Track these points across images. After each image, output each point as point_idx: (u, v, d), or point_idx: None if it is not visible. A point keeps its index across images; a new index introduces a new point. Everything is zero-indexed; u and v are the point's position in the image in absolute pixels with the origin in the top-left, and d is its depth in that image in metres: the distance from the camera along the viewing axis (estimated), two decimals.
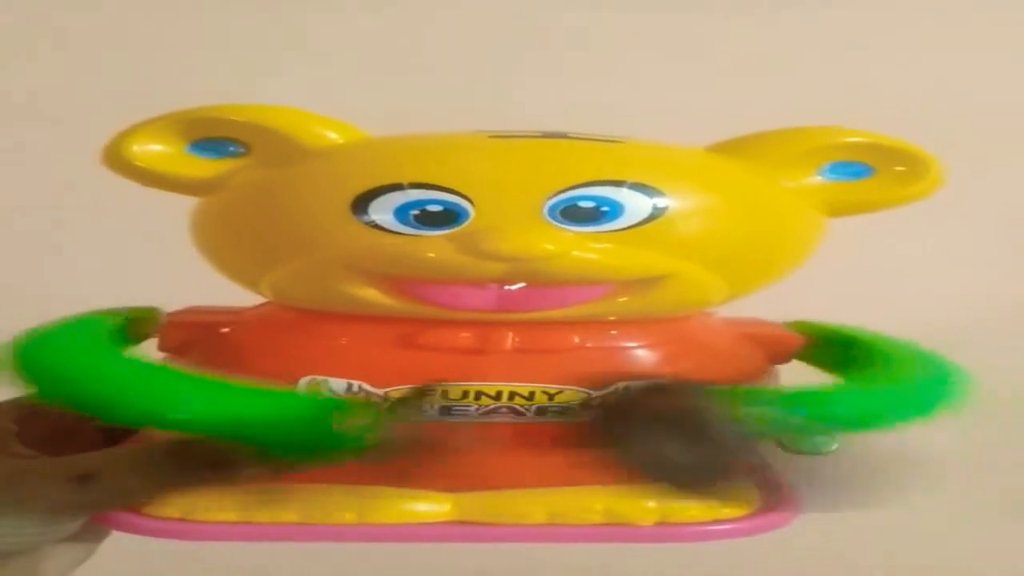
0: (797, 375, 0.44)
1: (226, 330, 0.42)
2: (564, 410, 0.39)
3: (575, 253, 0.35)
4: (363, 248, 0.35)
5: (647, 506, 0.40)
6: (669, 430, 0.35)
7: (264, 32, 0.82)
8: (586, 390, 0.38)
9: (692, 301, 0.39)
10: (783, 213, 0.39)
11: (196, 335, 0.42)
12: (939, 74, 0.82)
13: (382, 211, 0.34)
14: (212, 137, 0.36)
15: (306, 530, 0.39)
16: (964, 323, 0.75)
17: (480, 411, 0.39)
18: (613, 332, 0.39)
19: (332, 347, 0.39)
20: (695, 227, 0.36)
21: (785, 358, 0.45)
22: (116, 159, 0.36)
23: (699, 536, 0.40)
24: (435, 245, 0.35)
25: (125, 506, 0.39)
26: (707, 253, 0.37)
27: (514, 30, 0.83)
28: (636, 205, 0.35)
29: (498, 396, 0.38)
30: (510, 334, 0.38)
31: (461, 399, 0.38)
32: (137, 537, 0.39)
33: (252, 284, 0.40)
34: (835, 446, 0.43)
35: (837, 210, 0.40)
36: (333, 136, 0.36)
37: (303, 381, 0.38)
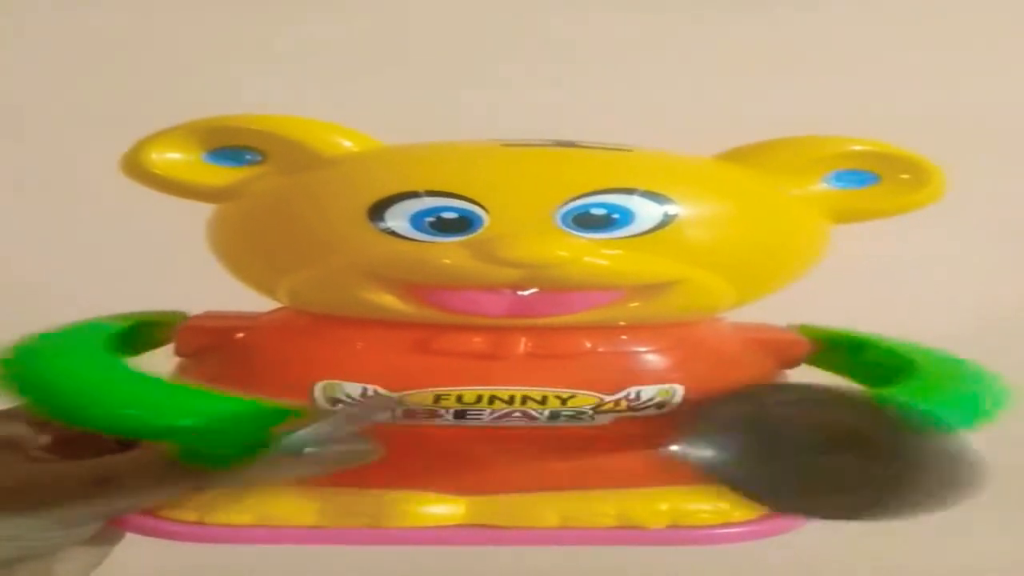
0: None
1: (242, 335, 0.42)
2: (577, 414, 0.39)
3: (587, 259, 0.35)
4: (379, 254, 0.36)
5: (659, 509, 0.40)
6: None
7: (260, 37, 0.83)
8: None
9: (701, 307, 0.40)
10: (790, 220, 0.40)
11: (212, 340, 0.42)
12: (942, 79, 0.82)
13: (398, 218, 0.35)
14: (229, 145, 0.37)
15: (321, 533, 0.40)
16: (970, 327, 0.76)
17: (493, 415, 0.39)
18: (624, 337, 0.40)
19: (347, 352, 0.39)
20: (704, 234, 0.37)
21: (794, 363, 0.45)
22: (135, 167, 0.37)
23: (710, 539, 0.41)
24: (450, 251, 0.35)
25: (143, 510, 0.40)
26: (716, 259, 0.37)
27: (506, 34, 0.84)
28: (647, 212, 0.35)
29: (511, 400, 0.39)
30: (523, 339, 0.39)
31: (475, 403, 0.39)
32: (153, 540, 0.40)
33: (269, 290, 0.40)
34: None
35: (843, 217, 0.40)
36: (348, 144, 0.37)
37: (318, 385, 0.39)
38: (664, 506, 0.40)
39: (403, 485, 0.40)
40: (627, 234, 0.36)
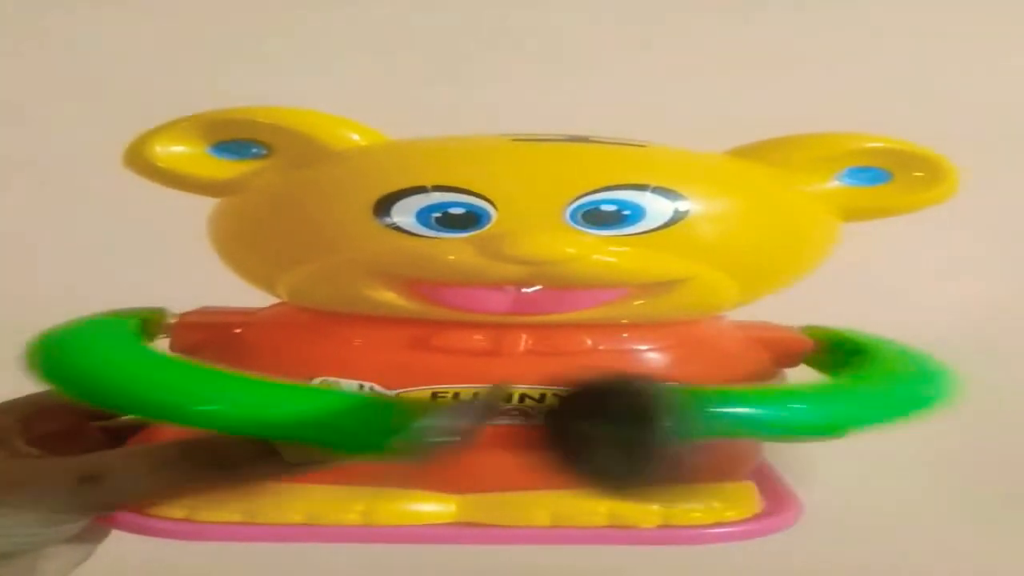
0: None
1: (239, 330, 0.42)
2: None
3: (595, 256, 0.35)
4: (384, 251, 0.35)
5: (650, 509, 0.40)
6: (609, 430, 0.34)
7: (262, 31, 0.82)
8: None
9: (706, 305, 0.39)
10: (801, 218, 0.39)
11: (209, 335, 0.42)
12: (951, 76, 0.83)
13: (404, 213, 0.34)
14: (235, 139, 0.36)
15: (311, 531, 0.40)
16: (977, 327, 0.76)
17: None
18: (625, 335, 0.40)
19: (345, 348, 0.39)
20: (715, 231, 0.36)
21: (794, 361, 0.45)
22: (138, 160, 0.36)
23: (701, 539, 0.40)
24: (456, 248, 0.35)
25: (130, 507, 0.39)
26: (725, 257, 0.37)
27: (505, 31, 0.84)
28: (658, 209, 0.35)
29: (509, 398, 0.38)
30: (523, 336, 0.38)
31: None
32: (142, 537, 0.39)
33: (268, 285, 0.40)
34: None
35: (854, 215, 0.40)
36: (355, 138, 0.36)
37: (315, 382, 0.38)
38: (656, 505, 0.40)
39: (394, 483, 0.39)
40: (637, 231, 0.35)
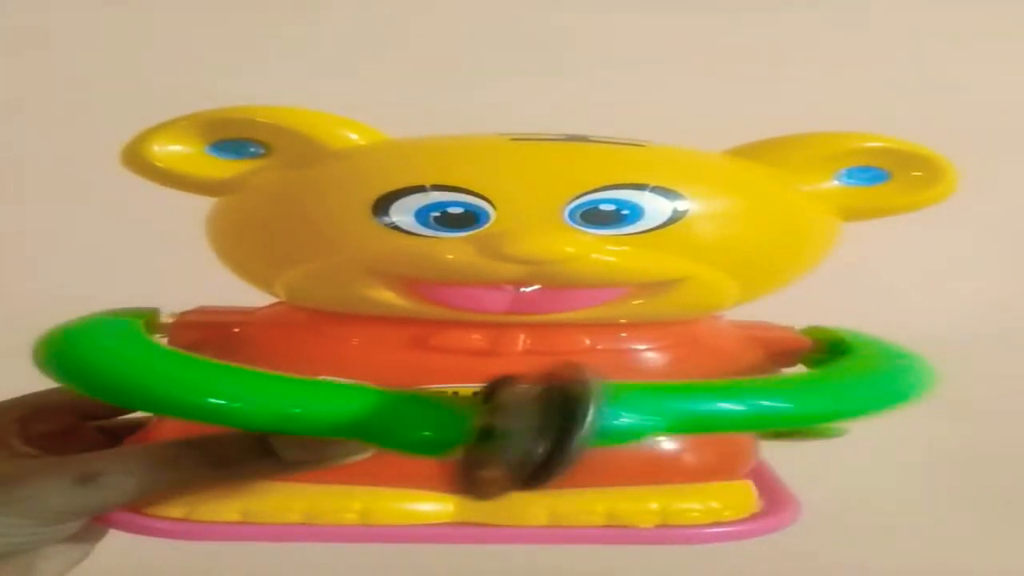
0: None
1: (237, 330, 0.42)
2: None
3: (594, 256, 0.35)
4: (382, 250, 0.35)
5: (648, 508, 0.40)
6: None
7: (261, 31, 0.82)
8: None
9: (705, 304, 0.39)
10: (800, 218, 0.39)
11: (207, 335, 0.42)
12: (950, 76, 0.83)
13: (403, 213, 0.34)
14: (233, 138, 0.36)
15: (309, 531, 0.39)
16: (977, 326, 0.77)
17: None
18: (623, 334, 0.40)
19: (343, 348, 0.39)
20: (714, 231, 0.36)
21: (792, 361, 0.45)
22: (136, 159, 0.36)
23: (699, 538, 0.40)
24: (455, 247, 0.35)
25: (126, 506, 0.39)
26: (724, 257, 0.37)
27: (507, 31, 0.84)
28: (657, 208, 0.35)
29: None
30: (522, 336, 0.39)
31: None
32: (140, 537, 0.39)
33: (267, 284, 0.40)
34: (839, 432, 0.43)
35: (853, 214, 0.40)
36: (354, 137, 0.36)
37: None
38: (654, 505, 0.40)
39: (392, 482, 0.39)
40: (635, 230, 0.35)
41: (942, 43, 0.84)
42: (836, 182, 0.39)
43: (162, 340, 0.42)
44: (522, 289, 0.36)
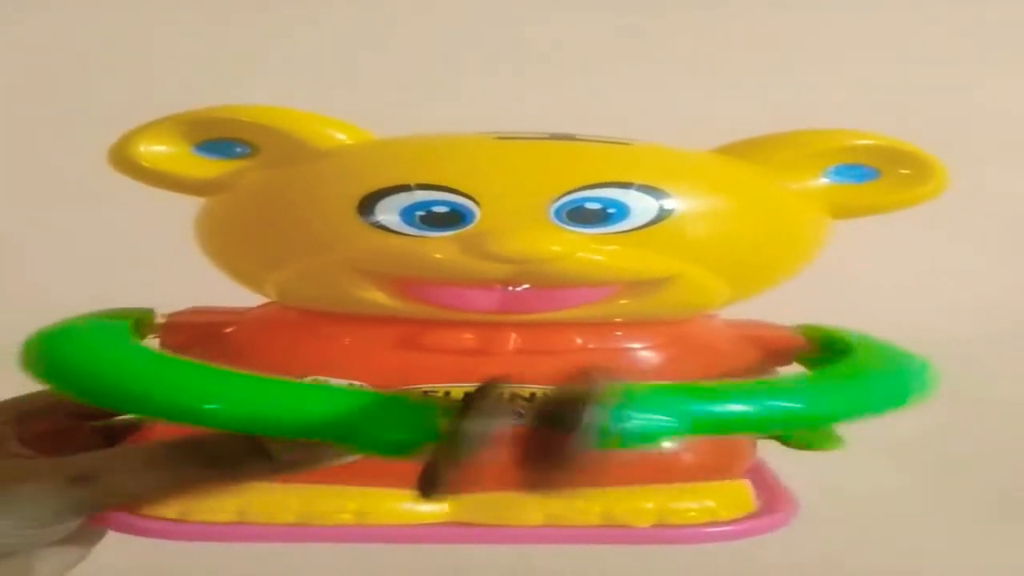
0: None
1: (228, 330, 0.42)
2: None
3: (580, 255, 0.35)
4: (368, 249, 0.35)
5: (644, 507, 0.40)
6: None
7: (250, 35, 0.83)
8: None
9: (694, 303, 0.39)
10: (789, 216, 0.39)
11: (198, 335, 0.42)
12: (940, 78, 0.83)
13: (388, 212, 0.35)
14: (219, 138, 0.36)
15: (304, 531, 0.40)
16: (965, 327, 0.76)
17: None
18: (617, 333, 0.40)
19: (335, 347, 0.39)
20: (701, 229, 0.36)
21: (786, 360, 0.45)
22: (122, 159, 0.36)
23: (696, 538, 0.40)
24: (440, 246, 0.35)
25: (122, 507, 0.39)
26: (712, 255, 0.37)
27: (494, 37, 0.84)
28: (643, 207, 0.35)
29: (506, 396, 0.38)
30: (513, 335, 0.39)
31: None
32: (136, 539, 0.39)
33: (257, 284, 0.40)
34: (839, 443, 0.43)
35: (842, 212, 0.40)
36: (340, 136, 0.36)
37: (305, 381, 0.38)
38: (650, 504, 0.40)
39: (388, 482, 0.39)
40: (621, 229, 0.35)
41: (928, 43, 0.85)
42: (824, 180, 0.39)
43: (154, 341, 0.42)
44: (511, 288, 0.36)
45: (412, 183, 0.34)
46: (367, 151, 0.37)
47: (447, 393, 0.38)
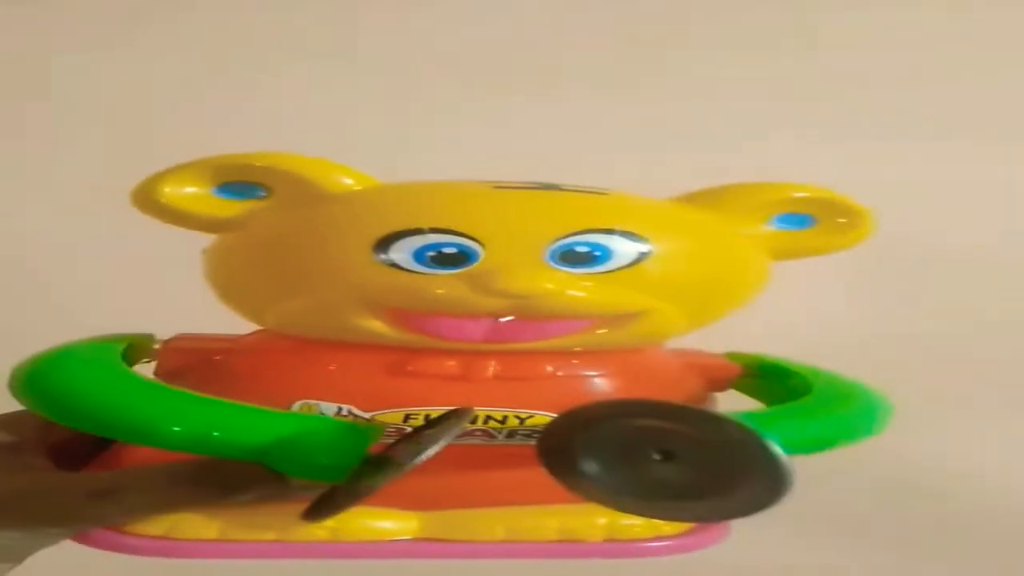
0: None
1: (223, 357, 0.44)
2: (532, 433, 0.42)
3: (569, 292, 0.38)
4: (380, 285, 0.38)
5: (596, 523, 0.43)
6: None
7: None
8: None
9: (658, 335, 0.43)
10: (742, 258, 0.43)
11: (193, 360, 0.44)
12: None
13: (402, 252, 0.37)
14: (238, 180, 0.38)
15: (282, 547, 0.42)
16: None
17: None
18: (577, 361, 0.43)
19: (325, 373, 0.42)
20: (671, 270, 0.40)
21: (723, 387, 0.49)
22: (147, 200, 0.38)
23: (642, 552, 0.44)
24: (447, 282, 0.38)
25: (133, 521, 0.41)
26: (679, 292, 0.40)
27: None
28: (623, 250, 0.38)
29: (475, 420, 0.41)
30: (492, 363, 0.41)
31: None
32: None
33: (257, 314, 0.42)
34: None
35: (783, 255, 0.44)
36: (349, 182, 0.39)
37: (296, 405, 0.41)
38: (602, 520, 0.44)
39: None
40: (604, 269, 0.38)
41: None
42: (768, 226, 0.43)
43: (147, 366, 0.44)
44: (500, 319, 0.39)
45: (426, 227, 0.37)
46: (380, 196, 0.39)
47: (427, 416, 0.41)
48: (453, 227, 0.37)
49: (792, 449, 0.36)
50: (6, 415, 0.44)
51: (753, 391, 0.49)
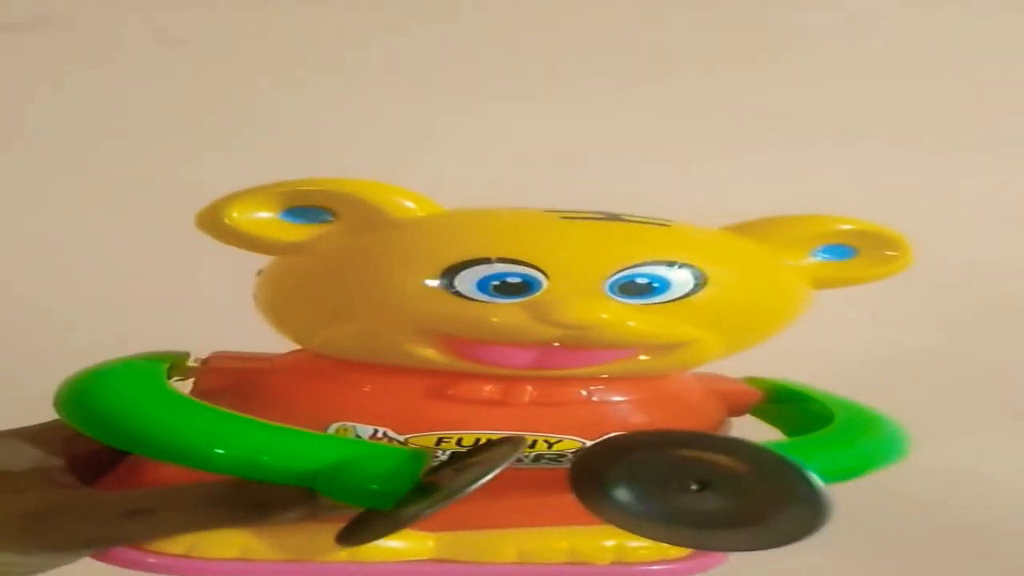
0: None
1: (259, 376, 0.44)
2: (558, 457, 0.43)
3: (627, 322, 0.39)
4: (441, 313, 0.38)
5: (604, 546, 0.44)
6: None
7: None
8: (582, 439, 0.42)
9: (696, 362, 0.43)
10: (788, 290, 0.44)
11: (230, 380, 0.44)
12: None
13: (467, 281, 0.37)
14: (305, 205, 0.38)
15: (302, 568, 0.42)
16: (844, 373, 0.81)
17: None
18: (606, 387, 0.43)
19: (363, 395, 0.42)
20: (722, 301, 0.40)
21: (742, 412, 0.50)
22: (215, 223, 0.38)
23: (648, 575, 0.45)
24: (507, 311, 0.38)
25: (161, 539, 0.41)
26: (725, 323, 0.41)
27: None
28: (680, 282, 0.39)
29: (533, 445, 0.42)
30: (529, 388, 0.42)
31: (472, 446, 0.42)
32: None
33: (306, 336, 0.42)
34: None
35: (824, 285, 0.44)
36: (412, 206, 0.39)
37: (333, 427, 0.41)
38: (610, 543, 0.44)
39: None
40: (660, 300, 0.39)
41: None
42: (812, 258, 0.44)
43: (185, 384, 0.44)
44: (548, 347, 0.39)
45: (493, 257, 0.37)
46: (447, 224, 0.39)
47: (459, 440, 0.41)
48: (520, 257, 0.37)
49: (828, 478, 0.37)
50: (31, 428, 0.43)
51: (771, 417, 0.50)
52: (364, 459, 0.37)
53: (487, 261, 0.37)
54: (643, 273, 0.38)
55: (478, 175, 0.79)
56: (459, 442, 0.41)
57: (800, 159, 0.90)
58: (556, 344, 0.39)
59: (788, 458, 0.37)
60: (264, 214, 0.38)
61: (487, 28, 0.92)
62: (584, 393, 0.43)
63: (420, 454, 0.38)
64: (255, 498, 0.39)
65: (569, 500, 0.40)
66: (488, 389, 0.42)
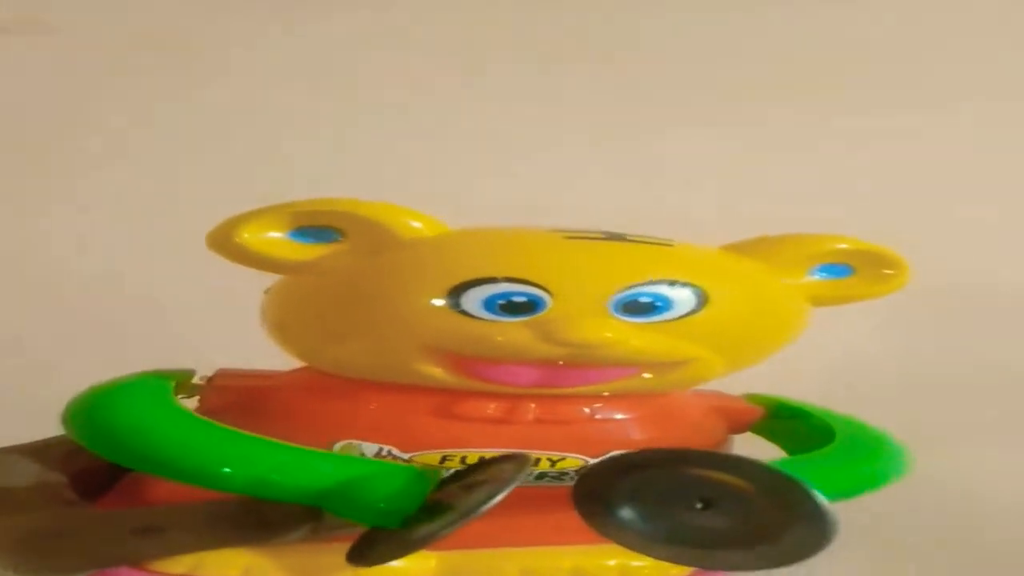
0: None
1: (264, 394, 0.44)
2: (560, 475, 0.43)
3: (630, 341, 0.39)
4: (447, 332, 0.38)
5: (607, 565, 0.44)
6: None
7: None
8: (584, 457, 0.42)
9: (697, 380, 0.44)
10: (787, 308, 0.44)
11: (236, 398, 0.44)
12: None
13: (473, 300, 0.38)
14: (314, 225, 0.38)
15: None
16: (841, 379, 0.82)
17: None
18: (607, 404, 0.44)
19: (367, 413, 0.42)
20: (724, 320, 0.41)
21: (743, 429, 0.50)
22: (224, 243, 0.38)
23: None
24: (512, 330, 0.38)
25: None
26: (726, 341, 0.41)
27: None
28: (682, 301, 0.39)
29: (537, 463, 0.42)
30: (533, 406, 0.42)
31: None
32: None
33: (312, 354, 0.43)
34: None
35: (821, 303, 0.45)
36: (419, 226, 0.39)
37: (338, 445, 0.41)
38: (613, 562, 0.44)
39: None
40: (662, 319, 0.39)
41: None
42: (809, 277, 0.44)
43: (191, 402, 0.44)
44: (559, 363, 0.40)
45: (500, 276, 0.38)
46: (453, 243, 0.40)
47: (463, 459, 0.42)
48: (526, 277, 0.38)
49: (833, 496, 0.37)
50: (32, 444, 0.43)
51: (772, 434, 0.50)
52: (373, 478, 0.38)
53: (494, 280, 0.38)
54: (646, 292, 0.39)
55: (478, 193, 0.80)
56: (463, 460, 0.42)
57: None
58: (560, 362, 0.40)
59: (793, 476, 0.38)
60: (274, 234, 0.38)
61: (465, 36, 0.94)
62: (587, 411, 0.43)
63: (428, 473, 0.39)
64: (261, 516, 0.39)
65: (572, 519, 0.40)
66: (492, 407, 0.42)
